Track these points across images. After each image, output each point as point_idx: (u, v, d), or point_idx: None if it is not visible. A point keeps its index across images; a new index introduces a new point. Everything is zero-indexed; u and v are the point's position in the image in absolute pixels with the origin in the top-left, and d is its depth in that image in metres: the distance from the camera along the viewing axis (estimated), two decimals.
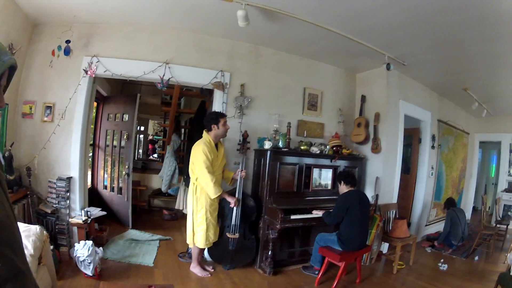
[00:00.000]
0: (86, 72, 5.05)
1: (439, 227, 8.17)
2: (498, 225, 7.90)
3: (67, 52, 4.86)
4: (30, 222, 4.33)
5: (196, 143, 4.79)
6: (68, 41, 4.85)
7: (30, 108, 4.96)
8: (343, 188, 4.90)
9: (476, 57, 5.40)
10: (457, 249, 6.94)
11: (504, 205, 10.00)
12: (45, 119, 5.00)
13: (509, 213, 9.85)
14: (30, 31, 4.99)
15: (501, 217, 8.84)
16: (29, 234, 3.22)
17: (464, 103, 8.51)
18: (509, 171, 10.58)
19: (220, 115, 4.81)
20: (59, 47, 4.81)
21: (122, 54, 5.24)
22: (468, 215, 9.91)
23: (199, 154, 4.59)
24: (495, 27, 4.26)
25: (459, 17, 4.09)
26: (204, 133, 4.82)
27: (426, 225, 8.05)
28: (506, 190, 10.24)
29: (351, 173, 5.10)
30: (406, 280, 5.29)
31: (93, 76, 5.14)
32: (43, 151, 4.95)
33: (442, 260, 6.07)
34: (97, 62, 5.11)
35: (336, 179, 5.04)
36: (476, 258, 6.62)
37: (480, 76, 6.38)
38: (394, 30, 4.74)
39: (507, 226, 8.11)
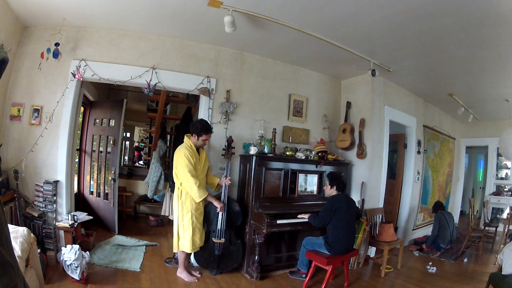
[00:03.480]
0: (74, 75, 5.05)
1: (427, 231, 8.25)
2: (487, 228, 8.02)
3: (55, 55, 4.82)
4: (17, 225, 4.29)
5: (177, 148, 4.82)
6: (57, 44, 4.82)
7: (18, 111, 4.94)
8: (332, 191, 4.92)
9: (458, 62, 5.51)
10: (445, 252, 7.02)
11: (492, 208, 10.16)
12: (33, 122, 4.98)
13: (498, 215, 9.99)
14: (20, 33, 4.99)
15: (489, 219, 8.94)
16: (16, 235, 3.22)
17: (450, 109, 8.65)
18: (496, 175, 10.72)
19: (205, 131, 4.74)
20: (48, 50, 4.78)
21: (109, 59, 5.26)
22: (456, 218, 10.00)
23: (181, 158, 4.62)
24: (475, 32, 4.35)
25: (439, 23, 4.18)
26: (186, 138, 4.85)
27: (413, 229, 8.12)
28: (494, 193, 10.39)
29: (342, 178, 5.12)
30: (394, 283, 5.33)
31: (81, 79, 5.13)
32: (31, 154, 4.92)
33: (430, 263, 6.14)
34: (85, 66, 5.11)
35: (329, 180, 4.99)
36: (465, 260, 6.68)
37: (464, 81, 6.50)
38: (375, 37, 4.84)
39: (496, 228, 8.27)
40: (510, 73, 5.78)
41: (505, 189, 10.56)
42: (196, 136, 4.74)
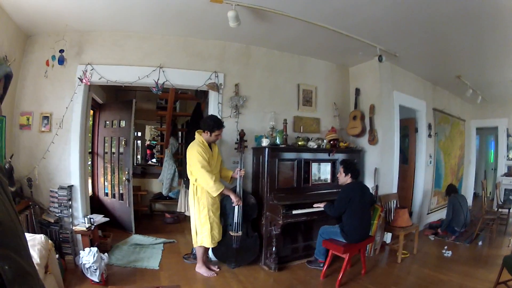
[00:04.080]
0: (81, 80, 5.07)
1: (441, 214, 8.22)
2: (499, 210, 7.94)
3: (61, 61, 4.83)
4: (34, 232, 4.32)
5: (190, 145, 4.84)
6: (61, 51, 4.82)
7: (27, 119, 4.97)
8: (347, 179, 4.91)
9: (464, 48, 5.50)
10: (460, 235, 6.96)
11: (505, 189, 10.06)
12: (43, 129, 5.01)
13: (510, 197, 9.89)
14: (23, 42, 5.01)
15: (502, 201, 8.87)
16: (34, 243, 3.25)
17: (459, 91, 8.54)
18: (507, 156, 10.62)
19: (217, 127, 4.77)
20: (53, 57, 4.78)
21: (115, 61, 5.27)
22: (469, 201, 9.93)
23: (194, 155, 4.64)
24: (481, 19, 4.33)
25: (444, 10, 4.15)
26: (197, 134, 4.86)
27: (428, 214, 8.08)
28: (506, 175, 10.29)
29: (356, 165, 5.12)
30: (411, 269, 5.32)
31: (88, 84, 5.15)
32: (43, 161, 4.95)
33: (446, 247, 6.11)
34: (92, 70, 5.13)
35: (344, 167, 4.95)
36: (480, 243, 6.64)
37: (470, 66, 6.48)
38: (382, 26, 4.81)
39: (509, 210, 8.18)
40: None
41: None
42: (208, 133, 4.75)
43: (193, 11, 4.56)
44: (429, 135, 7.85)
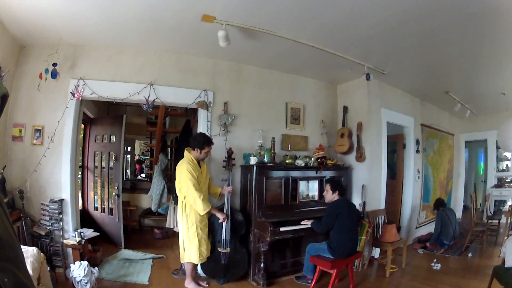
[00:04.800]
0: (73, 95, 5.11)
1: (430, 228, 8.26)
2: (489, 221, 8.03)
3: (54, 75, 4.85)
4: (25, 244, 4.34)
5: (179, 162, 4.89)
6: (54, 64, 4.86)
7: (20, 131, 5.00)
8: (334, 196, 4.95)
9: (454, 59, 5.53)
10: (449, 248, 7.03)
11: (495, 200, 10.13)
12: (35, 142, 5.04)
13: (501, 207, 9.95)
14: (18, 53, 5.06)
15: (492, 212, 8.94)
16: (26, 255, 3.28)
17: (447, 106, 8.66)
18: (497, 167, 10.74)
19: (207, 143, 4.84)
20: (46, 70, 4.81)
21: (107, 76, 5.31)
22: (459, 214, 10.06)
23: (184, 173, 4.67)
24: (469, 28, 4.36)
25: (433, 22, 4.20)
26: (186, 152, 4.91)
27: (416, 228, 8.15)
28: (495, 186, 10.39)
29: (342, 183, 5.18)
30: (400, 283, 5.38)
31: (80, 99, 5.18)
32: (34, 173, 4.97)
33: (435, 260, 6.16)
34: (84, 85, 5.16)
35: (331, 185, 4.99)
36: (470, 254, 6.72)
37: (460, 77, 6.54)
38: (370, 41, 4.88)
39: (499, 221, 8.26)
40: (506, 66, 5.81)
41: (507, 181, 10.59)
42: (198, 150, 4.81)
43: (185, 28, 4.65)
44: (417, 151, 7.94)
